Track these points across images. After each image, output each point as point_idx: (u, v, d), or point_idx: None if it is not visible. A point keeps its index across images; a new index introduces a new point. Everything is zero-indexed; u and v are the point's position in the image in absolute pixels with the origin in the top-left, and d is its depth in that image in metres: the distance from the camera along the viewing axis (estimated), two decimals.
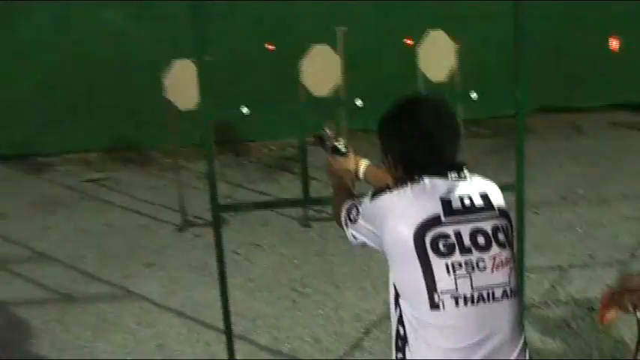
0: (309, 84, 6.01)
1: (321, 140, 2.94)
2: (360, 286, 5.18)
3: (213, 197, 3.25)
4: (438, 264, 2.24)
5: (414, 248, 2.23)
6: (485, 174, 2.43)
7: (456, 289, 2.24)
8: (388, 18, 7.85)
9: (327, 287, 5.21)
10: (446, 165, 2.35)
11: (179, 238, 6.19)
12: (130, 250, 5.99)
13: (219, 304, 5.08)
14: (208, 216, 6.51)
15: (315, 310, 4.92)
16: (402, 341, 2.35)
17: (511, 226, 2.38)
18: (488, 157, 7.41)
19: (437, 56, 6.12)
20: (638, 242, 5.42)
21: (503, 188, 3.08)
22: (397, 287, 2.34)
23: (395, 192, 2.31)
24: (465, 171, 2.37)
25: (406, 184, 2.31)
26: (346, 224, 2.55)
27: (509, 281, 2.30)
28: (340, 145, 2.90)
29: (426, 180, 2.30)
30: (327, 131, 2.92)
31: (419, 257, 2.23)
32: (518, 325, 2.36)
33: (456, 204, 2.28)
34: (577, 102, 8.78)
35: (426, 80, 6.19)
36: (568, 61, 8.55)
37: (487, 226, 2.30)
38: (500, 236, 2.30)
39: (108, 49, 8.04)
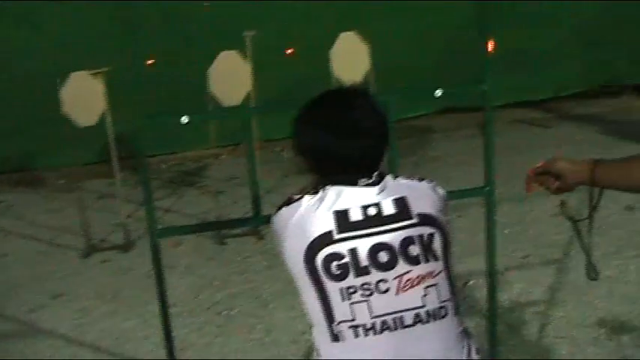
0: (217, 93, 5.67)
1: None
2: (290, 305, 4.85)
3: (151, 222, 2.86)
4: (332, 289, 1.94)
5: (306, 271, 1.94)
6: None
7: (353, 317, 1.93)
8: (297, 20, 7.58)
9: (254, 309, 4.88)
10: (356, 168, 1.99)
11: (85, 265, 5.72)
12: (33, 281, 5.47)
13: (139, 334, 4.72)
14: (113, 239, 6.13)
15: (247, 334, 4.58)
16: None
17: (442, 233, 2.03)
18: (402, 159, 7.23)
19: (350, 58, 5.87)
20: (568, 240, 5.30)
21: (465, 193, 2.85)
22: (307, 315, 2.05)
23: (291, 205, 1.99)
24: (380, 174, 2.01)
25: (303, 195, 1.99)
26: None
27: (424, 303, 1.96)
28: None
29: (329, 189, 1.97)
30: None
31: (313, 282, 1.95)
32: (452, 350, 2.03)
33: (356, 216, 1.94)
34: (479, 101, 8.70)
35: (340, 84, 5.93)
36: (469, 62, 8.48)
37: (394, 239, 1.95)
38: (413, 249, 1.96)
39: None
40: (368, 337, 1.93)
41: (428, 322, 1.97)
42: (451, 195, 5.39)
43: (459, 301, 2.08)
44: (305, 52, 6.84)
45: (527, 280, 4.85)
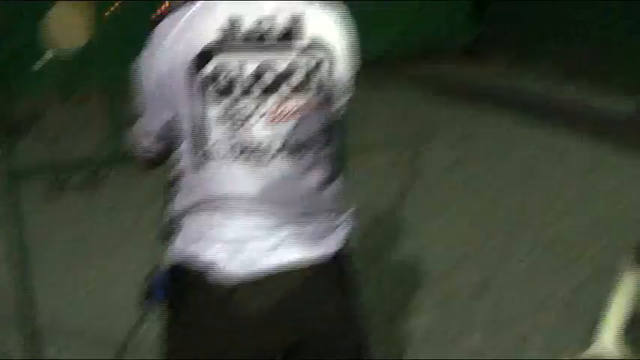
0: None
1: None
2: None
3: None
4: (212, 104, 1.73)
5: (185, 85, 1.71)
6: None
7: (222, 140, 1.75)
8: None
9: None
10: None
11: None
12: None
13: None
14: None
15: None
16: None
17: (331, 62, 1.80)
18: None
19: None
20: None
21: None
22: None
23: (172, 16, 1.74)
24: None
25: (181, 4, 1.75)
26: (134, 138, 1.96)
27: (294, 133, 1.77)
28: None
29: None
30: None
31: (190, 96, 1.72)
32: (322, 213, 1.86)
33: (248, 27, 1.72)
34: None
35: None
36: None
37: (282, 61, 1.75)
38: (295, 78, 1.76)
39: None
40: (232, 163, 1.75)
41: (292, 155, 1.79)
42: None
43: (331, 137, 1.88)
44: None
45: None
